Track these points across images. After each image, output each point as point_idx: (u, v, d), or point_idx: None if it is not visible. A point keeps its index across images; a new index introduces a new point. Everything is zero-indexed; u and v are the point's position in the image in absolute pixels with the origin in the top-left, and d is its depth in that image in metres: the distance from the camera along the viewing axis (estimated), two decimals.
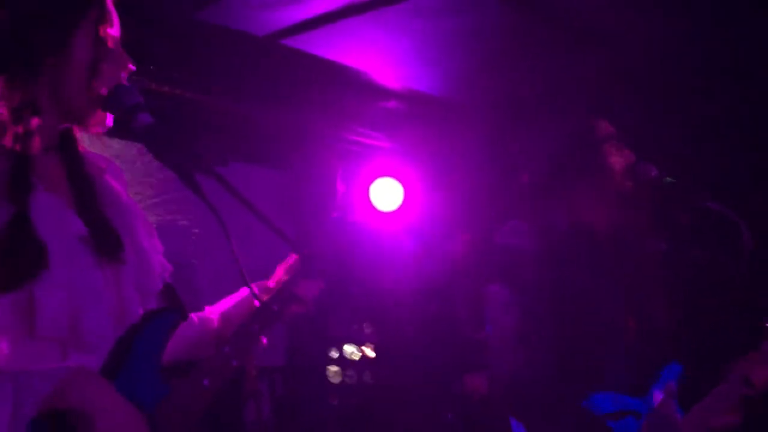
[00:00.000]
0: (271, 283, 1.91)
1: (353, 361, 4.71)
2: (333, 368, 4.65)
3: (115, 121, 1.58)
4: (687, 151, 3.18)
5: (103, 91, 1.51)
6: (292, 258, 1.94)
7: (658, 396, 1.99)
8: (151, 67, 3.55)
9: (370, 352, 4.81)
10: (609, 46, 3.48)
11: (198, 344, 1.79)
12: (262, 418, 3.76)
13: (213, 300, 1.88)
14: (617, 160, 2.13)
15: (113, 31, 1.54)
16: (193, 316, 1.86)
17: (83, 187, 1.55)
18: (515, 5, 3.24)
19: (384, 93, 4.26)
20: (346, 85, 4.10)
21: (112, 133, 1.63)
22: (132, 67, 1.56)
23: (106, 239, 1.49)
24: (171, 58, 3.57)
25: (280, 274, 1.91)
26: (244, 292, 1.87)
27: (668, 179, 2.04)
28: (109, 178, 1.64)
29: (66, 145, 1.58)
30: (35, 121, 1.46)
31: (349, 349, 4.74)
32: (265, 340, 1.84)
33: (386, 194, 4.65)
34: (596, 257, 2.09)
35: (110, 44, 1.53)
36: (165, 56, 3.53)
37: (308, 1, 3.32)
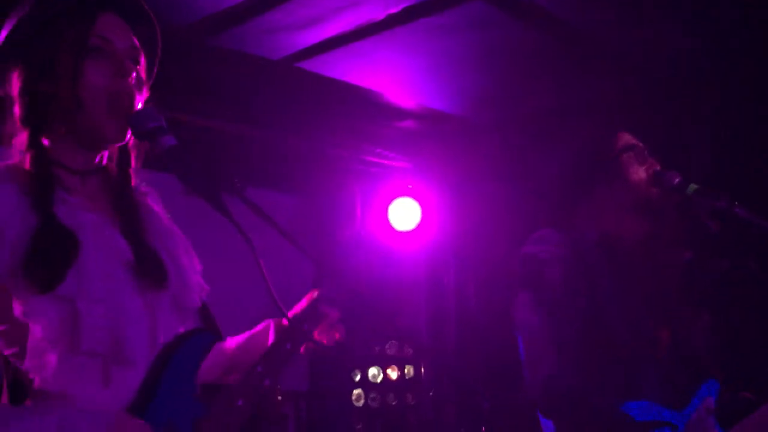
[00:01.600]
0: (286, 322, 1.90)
1: (376, 384, 4.67)
2: (356, 391, 4.62)
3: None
4: (711, 159, 3.16)
5: (99, 98, 1.51)
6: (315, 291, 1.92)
7: (696, 411, 1.96)
8: (164, 93, 3.57)
9: (394, 374, 4.78)
10: (626, 63, 3.48)
11: (212, 372, 1.78)
12: None
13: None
14: (640, 169, 2.12)
15: (101, 42, 1.55)
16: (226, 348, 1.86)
17: (127, 209, 1.57)
18: (530, 23, 3.24)
19: (400, 113, 4.26)
20: (362, 106, 4.11)
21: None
22: (131, 73, 1.55)
23: (150, 266, 1.51)
24: (186, 85, 3.59)
25: (303, 304, 1.90)
26: (259, 327, 1.86)
27: (693, 186, 2.02)
28: (150, 201, 1.67)
29: (117, 173, 1.61)
30: (37, 134, 1.50)
31: (373, 372, 4.70)
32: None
33: (404, 214, 4.65)
34: (625, 267, 2.07)
35: (97, 54, 1.54)
36: (180, 83, 3.56)
37: (322, 23, 3.34)
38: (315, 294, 1.76)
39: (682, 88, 3.56)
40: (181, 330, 1.54)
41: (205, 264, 1.69)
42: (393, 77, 3.88)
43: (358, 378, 4.64)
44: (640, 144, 2.15)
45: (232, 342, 1.85)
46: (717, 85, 3.52)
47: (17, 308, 1.41)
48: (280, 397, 3.76)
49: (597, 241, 2.10)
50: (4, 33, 1.55)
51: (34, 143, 1.51)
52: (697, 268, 2.07)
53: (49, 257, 1.39)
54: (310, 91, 3.88)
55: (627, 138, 2.16)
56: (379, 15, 3.28)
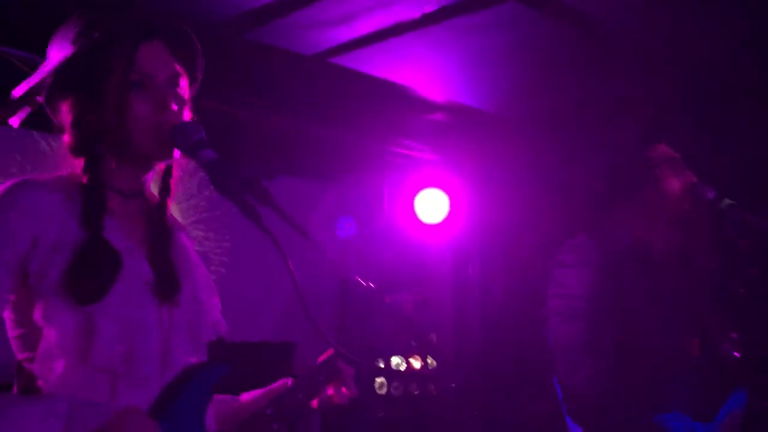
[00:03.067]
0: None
1: (399, 373, 4.73)
2: (379, 380, 4.68)
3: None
4: (747, 173, 3.15)
5: (145, 127, 1.57)
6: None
7: (723, 424, 1.99)
8: (205, 87, 3.64)
9: (417, 364, 4.84)
10: (658, 62, 3.47)
11: (224, 421, 1.79)
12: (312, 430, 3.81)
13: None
14: (675, 181, 2.14)
15: (146, 69, 1.59)
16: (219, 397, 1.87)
17: (159, 237, 1.62)
18: (562, 22, 3.25)
19: (429, 106, 4.29)
20: (393, 100, 4.14)
21: None
22: (173, 106, 1.60)
23: (165, 282, 1.55)
24: (223, 78, 3.65)
25: (321, 359, 1.92)
26: (277, 383, 1.86)
27: (727, 201, 2.04)
28: (183, 236, 1.72)
29: (158, 197, 1.66)
30: (95, 161, 1.55)
31: (396, 361, 4.76)
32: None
33: (431, 206, 4.68)
34: (656, 276, 2.09)
35: (143, 88, 1.59)
36: (217, 76, 3.61)
37: (356, 21, 3.37)
38: (333, 352, 1.80)
39: (713, 90, 3.54)
40: (193, 360, 1.56)
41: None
42: (424, 73, 3.90)
43: (381, 366, 4.70)
44: (678, 155, 2.17)
45: (248, 396, 1.86)
46: (749, 88, 3.50)
47: (37, 312, 1.44)
48: None
49: (629, 249, 2.13)
50: (53, 62, 1.58)
51: (89, 168, 1.56)
52: (727, 279, 2.10)
53: (96, 272, 1.43)
54: (341, 85, 3.91)
55: (665, 149, 2.18)
56: (413, 14, 3.30)
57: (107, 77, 1.55)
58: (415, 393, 4.78)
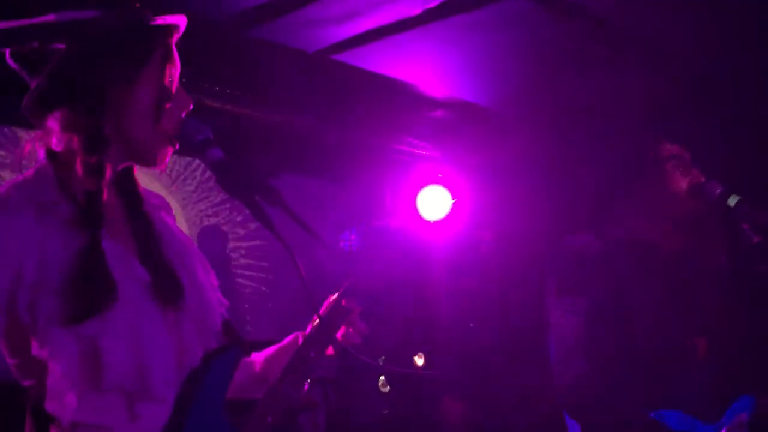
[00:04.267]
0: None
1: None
2: (383, 377, 4.67)
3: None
4: (753, 168, 3.13)
5: (168, 128, 1.52)
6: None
7: (729, 426, 1.98)
8: (206, 84, 3.63)
9: (420, 362, 4.82)
10: (664, 62, 3.45)
11: (243, 387, 1.78)
12: (318, 429, 3.80)
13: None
14: (682, 179, 2.12)
15: (175, 71, 1.55)
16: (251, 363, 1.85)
17: (144, 228, 1.55)
18: (567, 20, 3.23)
19: (432, 102, 4.27)
20: (395, 97, 4.12)
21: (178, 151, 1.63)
22: (191, 106, 1.56)
23: (167, 285, 1.49)
24: (225, 74, 3.64)
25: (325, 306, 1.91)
26: (288, 339, 1.86)
27: (735, 197, 2.03)
28: (164, 215, 1.64)
29: (126, 184, 1.58)
30: (107, 151, 1.46)
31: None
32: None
33: (433, 203, 4.66)
34: (659, 274, 2.08)
35: (174, 83, 1.54)
36: (219, 72, 3.61)
37: (358, 17, 3.36)
38: (335, 295, 1.79)
39: (719, 87, 3.53)
40: (201, 351, 1.50)
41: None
42: (427, 70, 3.88)
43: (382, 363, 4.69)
44: (684, 153, 2.15)
45: (260, 356, 1.84)
46: (754, 86, 3.49)
47: (35, 347, 1.36)
48: (309, 384, 3.81)
49: (631, 247, 2.11)
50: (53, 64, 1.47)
51: (95, 173, 1.45)
52: (735, 278, 2.08)
53: (88, 296, 1.35)
54: (344, 83, 3.90)
55: (670, 147, 2.16)
56: (416, 10, 3.28)
57: (148, 60, 1.48)
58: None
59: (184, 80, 1.59)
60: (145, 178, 1.66)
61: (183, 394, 1.42)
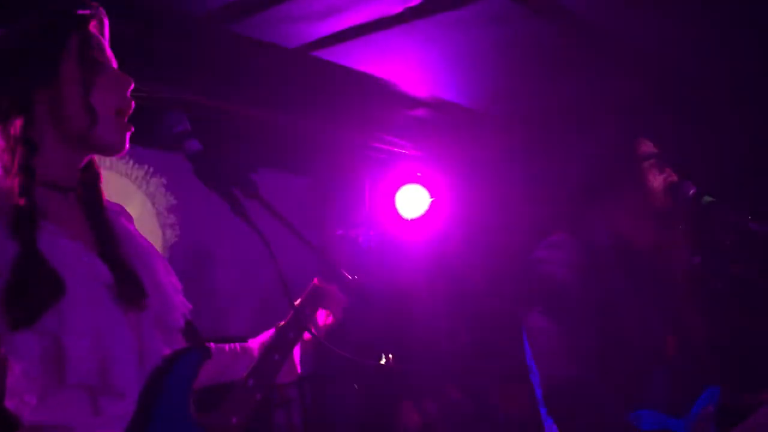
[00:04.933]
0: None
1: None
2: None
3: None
4: (728, 170, 3.17)
5: (109, 112, 1.49)
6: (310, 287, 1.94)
7: (696, 419, 2.00)
8: (185, 78, 3.61)
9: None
10: (645, 62, 3.48)
11: (240, 373, 1.79)
12: (293, 425, 3.80)
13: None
14: (658, 177, 2.13)
15: (100, 53, 1.52)
16: (237, 346, 1.86)
17: (104, 230, 1.52)
18: (549, 20, 3.25)
19: (411, 101, 4.28)
20: (375, 95, 4.13)
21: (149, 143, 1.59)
22: (132, 84, 1.53)
23: (129, 286, 1.47)
24: (205, 70, 3.62)
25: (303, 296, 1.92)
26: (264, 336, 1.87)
27: (708, 198, 2.04)
28: (124, 220, 1.63)
29: (87, 188, 1.56)
30: (31, 157, 1.43)
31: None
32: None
33: (411, 201, 4.68)
34: (636, 273, 2.08)
35: (101, 67, 1.50)
36: (198, 66, 3.59)
37: (339, 14, 3.35)
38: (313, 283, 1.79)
39: (702, 88, 3.56)
40: (167, 351, 1.49)
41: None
42: (407, 68, 3.89)
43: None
44: (660, 152, 2.16)
45: (256, 343, 1.86)
46: (736, 86, 3.53)
47: None
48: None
49: (610, 245, 2.10)
50: None
51: (25, 167, 1.42)
52: (706, 275, 2.09)
53: (31, 295, 1.32)
54: (323, 79, 3.89)
55: (648, 145, 2.17)
56: (396, 8, 3.29)
57: (62, 55, 1.46)
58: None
59: (125, 65, 1.56)
60: (113, 176, 1.63)
61: (147, 392, 1.42)
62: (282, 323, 1.81)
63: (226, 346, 1.86)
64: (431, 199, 4.65)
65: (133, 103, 1.53)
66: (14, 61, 1.45)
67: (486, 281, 4.46)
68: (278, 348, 1.70)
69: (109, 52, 1.54)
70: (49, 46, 1.46)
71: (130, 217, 1.66)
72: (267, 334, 1.85)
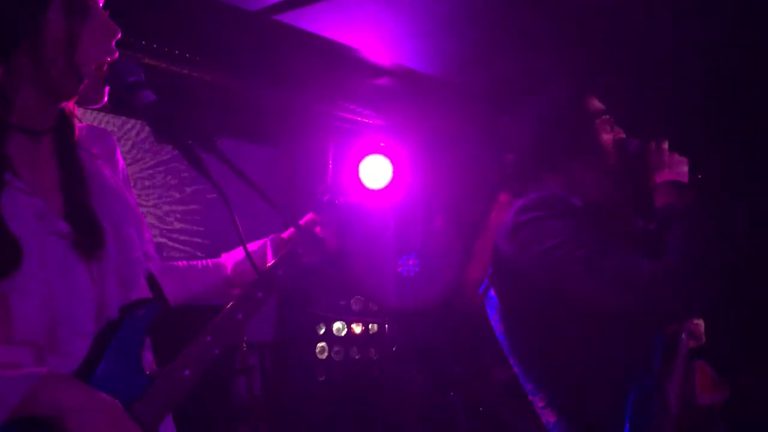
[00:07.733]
0: (285, 234, 1.92)
1: (340, 338, 4.74)
2: (320, 344, 4.68)
3: (117, 97, 1.53)
4: (678, 136, 3.20)
5: (92, 64, 1.45)
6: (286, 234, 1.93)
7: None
8: (143, 41, 3.53)
9: (358, 329, 4.85)
10: (607, 32, 3.49)
11: (211, 289, 1.82)
12: (253, 392, 3.79)
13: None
14: (608, 136, 2.10)
15: (92, 3, 1.46)
16: (209, 262, 1.87)
17: (72, 179, 1.49)
18: None
19: (376, 70, 4.24)
20: (338, 62, 4.08)
21: (112, 109, 1.59)
22: (119, 34, 1.49)
23: (86, 236, 1.44)
24: (163, 32, 3.54)
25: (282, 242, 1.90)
26: (256, 245, 1.87)
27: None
28: (102, 164, 1.59)
29: (60, 130, 1.52)
30: (4, 112, 1.39)
31: (337, 326, 4.77)
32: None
33: (375, 172, 4.65)
34: (603, 232, 2.02)
35: (89, 15, 1.45)
36: (156, 30, 3.51)
37: None
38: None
39: (659, 60, 3.59)
40: (121, 303, 1.48)
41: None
42: (371, 34, 3.85)
43: (322, 331, 4.71)
44: (608, 108, 2.12)
45: (229, 260, 1.85)
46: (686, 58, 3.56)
47: None
48: (245, 348, 3.80)
49: (582, 207, 2.03)
50: None
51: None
52: (657, 237, 2.05)
53: None
54: (286, 44, 3.84)
55: (597, 103, 2.13)
56: None
57: (46, 9, 1.40)
58: (356, 357, 4.80)
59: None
60: None
61: (95, 346, 1.41)
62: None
63: (199, 263, 1.86)
64: (394, 170, 4.63)
65: (117, 54, 1.49)
66: None
67: (444, 250, 4.47)
68: (243, 308, 1.63)
69: None
70: None
71: (111, 157, 1.62)
72: (240, 252, 1.83)
